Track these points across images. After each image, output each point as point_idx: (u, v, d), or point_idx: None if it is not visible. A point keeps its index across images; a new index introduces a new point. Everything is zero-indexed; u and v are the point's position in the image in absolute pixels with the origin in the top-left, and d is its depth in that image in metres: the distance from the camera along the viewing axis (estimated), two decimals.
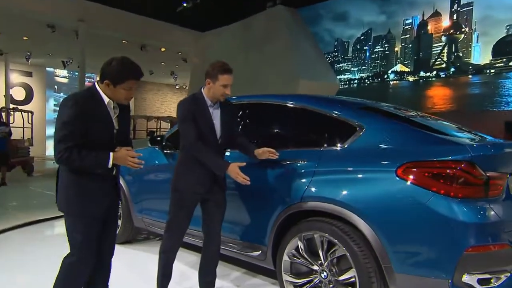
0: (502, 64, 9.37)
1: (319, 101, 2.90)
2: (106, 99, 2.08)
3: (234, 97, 3.34)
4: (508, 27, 9.22)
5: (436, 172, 2.07)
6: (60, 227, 4.96)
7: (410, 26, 11.13)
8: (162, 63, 16.47)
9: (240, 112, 3.15)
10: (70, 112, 1.96)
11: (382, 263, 2.14)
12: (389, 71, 11.66)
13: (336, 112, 2.62)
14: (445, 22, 10.50)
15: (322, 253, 2.38)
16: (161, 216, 3.34)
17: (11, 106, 14.00)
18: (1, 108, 11.92)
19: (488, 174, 2.07)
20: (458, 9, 10.23)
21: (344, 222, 2.29)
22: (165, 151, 3.60)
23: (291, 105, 2.90)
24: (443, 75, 10.56)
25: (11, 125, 10.55)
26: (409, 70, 11.21)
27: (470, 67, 10.05)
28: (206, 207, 2.67)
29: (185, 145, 2.56)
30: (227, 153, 2.91)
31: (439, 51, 10.61)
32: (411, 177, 2.10)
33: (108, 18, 11.31)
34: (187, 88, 19.24)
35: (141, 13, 11.60)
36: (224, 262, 3.43)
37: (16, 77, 17.38)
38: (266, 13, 11.23)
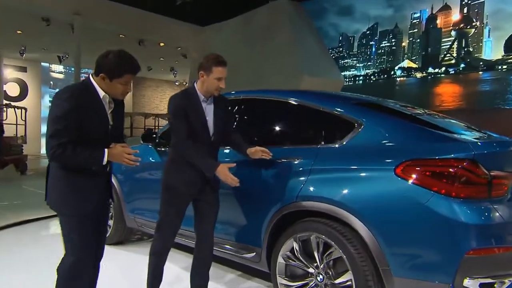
0: None
1: (316, 97, 2.88)
2: (101, 93, 2.06)
3: (227, 93, 3.33)
4: None
5: (437, 170, 2.05)
6: (51, 227, 4.97)
7: (418, 20, 11.06)
8: (161, 59, 16.45)
9: (234, 108, 3.13)
10: (65, 106, 1.92)
11: (379, 266, 2.12)
12: (396, 67, 11.60)
13: (334, 108, 2.60)
14: (455, 15, 10.42)
15: (318, 255, 2.37)
16: (154, 216, 3.32)
17: (4, 102, 14.06)
18: None
19: (492, 173, 2.04)
20: (469, 2, 10.15)
21: (340, 223, 2.27)
22: (158, 149, 3.59)
23: (287, 101, 2.88)
24: (453, 72, 10.49)
25: (3, 122, 10.59)
26: (416, 66, 11.15)
27: (481, 63, 9.98)
28: (198, 206, 2.65)
29: (175, 141, 2.54)
30: (226, 150, 2.90)
31: (448, 46, 10.54)
32: (410, 176, 2.08)
33: (105, 12, 11.29)
34: (187, 84, 19.25)
35: (139, 6, 11.58)
36: (218, 264, 3.42)
37: (10, 73, 17.41)
38: (268, 6, 11.19)
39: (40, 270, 3.28)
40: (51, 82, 19.29)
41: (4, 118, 12.48)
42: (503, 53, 9.49)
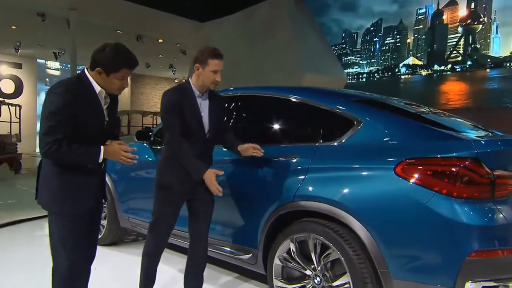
0: None
1: (314, 93, 2.86)
2: (97, 88, 2.02)
3: (224, 90, 3.31)
4: None
5: (438, 170, 2.02)
6: (45, 227, 4.96)
7: (423, 16, 11.03)
8: (160, 56, 16.46)
9: (231, 105, 3.12)
10: (60, 101, 1.89)
11: (378, 268, 2.10)
12: (400, 65, 11.57)
13: (332, 105, 2.58)
14: (462, 11, 10.39)
15: (315, 257, 2.35)
16: (149, 216, 3.30)
17: None
18: None
19: (495, 173, 2.01)
20: None
21: (338, 224, 2.25)
22: (153, 147, 3.58)
23: (284, 98, 2.86)
24: (459, 69, 10.45)
25: None
26: (422, 63, 11.12)
27: (489, 60, 9.94)
28: (193, 205, 2.64)
29: (167, 138, 2.52)
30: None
31: (454, 43, 10.50)
32: (410, 175, 2.06)
33: (102, 7, 11.29)
34: None
35: (137, 1, 11.56)
36: (213, 265, 3.41)
37: (4, 69, 17.44)
38: (269, 2, 11.17)
39: (35, 270, 3.29)
40: (47, 79, 19.29)
41: None
42: (511, 50, 9.44)
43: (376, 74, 12.00)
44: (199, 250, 2.68)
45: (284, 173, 2.53)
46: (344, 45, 12.69)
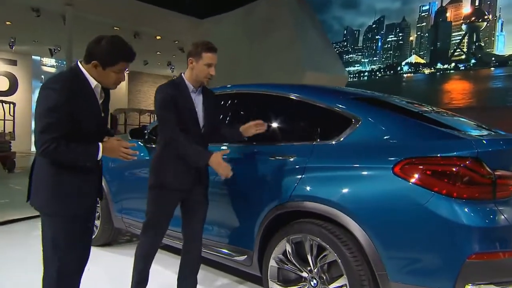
0: None
1: (311, 91, 2.84)
2: (93, 82, 1.98)
3: (221, 87, 3.30)
4: None
5: (438, 169, 2.01)
6: (39, 227, 4.94)
7: (427, 13, 11.03)
8: (158, 53, 16.43)
9: (225, 103, 3.10)
10: (56, 97, 1.83)
11: (376, 270, 2.09)
12: (403, 63, 11.58)
13: (330, 103, 2.56)
14: (466, 8, 10.39)
15: (312, 259, 2.33)
16: (143, 216, 3.30)
17: None
18: None
19: (496, 173, 2.00)
20: None
21: (335, 224, 2.24)
22: (148, 145, 3.56)
23: (281, 95, 2.85)
24: (463, 68, 10.45)
25: None
26: (424, 61, 11.12)
27: (493, 59, 9.95)
28: (187, 206, 2.62)
29: (163, 134, 2.50)
30: (223, 147, 2.86)
31: (458, 40, 10.50)
32: (409, 175, 2.04)
33: (98, 2, 11.26)
34: None
35: None
36: (207, 266, 3.40)
37: None
38: None
39: (28, 270, 3.26)
40: (43, 76, 19.20)
41: None
42: None
43: (378, 73, 12.03)
44: (193, 251, 2.67)
45: (281, 172, 2.52)
46: (345, 43, 12.73)
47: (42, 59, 19.04)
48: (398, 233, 2.05)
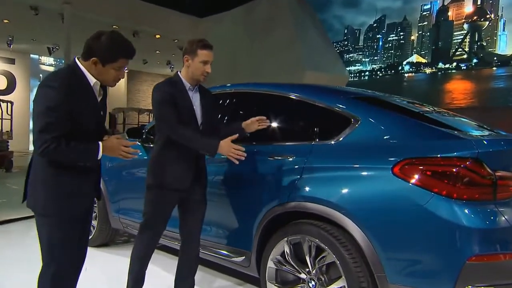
0: None
1: (310, 90, 2.83)
2: (92, 80, 1.95)
3: (220, 86, 3.29)
4: None
5: (437, 170, 2.00)
6: (34, 228, 4.94)
7: (428, 12, 11.03)
8: (157, 52, 16.41)
9: (224, 102, 3.09)
10: (56, 95, 1.80)
11: (374, 271, 2.08)
12: (404, 62, 11.59)
13: (329, 103, 2.55)
14: (468, 7, 10.40)
15: (310, 260, 2.33)
16: (140, 217, 3.30)
17: None
18: None
19: (497, 174, 1.99)
20: None
21: (334, 225, 2.23)
22: (145, 145, 3.55)
23: (279, 95, 2.85)
24: (464, 67, 10.46)
25: None
26: (426, 61, 11.14)
27: (495, 58, 9.96)
28: (185, 206, 2.62)
29: (163, 133, 2.49)
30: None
31: (460, 40, 10.51)
32: (408, 175, 2.03)
33: (97, 1, 11.26)
34: None
35: None
36: (205, 267, 3.39)
37: None
38: None
39: (26, 270, 3.23)
40: (41, 75, 19.20)
41: None
42: None
43: (379, 72, 12.03)
44: (190, 252, 2.66)
45: (279, 172, 2.51)
46: (346, 42, 12.73)
47: (40, 57, 19.04)
48: (398, 234, 2.04)
